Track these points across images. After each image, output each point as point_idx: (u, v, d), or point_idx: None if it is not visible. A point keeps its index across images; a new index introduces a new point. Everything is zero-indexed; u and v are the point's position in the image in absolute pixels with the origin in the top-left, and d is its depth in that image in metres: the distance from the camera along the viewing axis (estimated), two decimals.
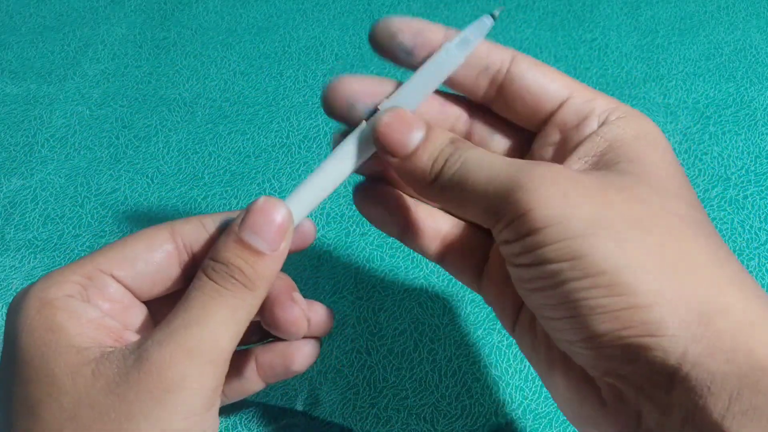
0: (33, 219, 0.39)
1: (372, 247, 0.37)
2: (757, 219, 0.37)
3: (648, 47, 0.46)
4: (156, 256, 0.22)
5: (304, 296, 0.25)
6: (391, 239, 0.37)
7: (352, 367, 0.32)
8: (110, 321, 0.21)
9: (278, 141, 0.42)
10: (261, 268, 0.21)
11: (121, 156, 0.42)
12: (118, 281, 0.22)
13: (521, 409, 0.31)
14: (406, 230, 0.25)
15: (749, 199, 0.38)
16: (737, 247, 0.36)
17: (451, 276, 0.27)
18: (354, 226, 0.38)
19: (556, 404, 0.31)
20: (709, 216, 0.37)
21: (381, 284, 0.35)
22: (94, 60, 0.48)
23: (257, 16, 0.51)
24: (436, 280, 0.35)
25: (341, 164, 0.23)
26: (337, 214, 0.38)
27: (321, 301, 0.35)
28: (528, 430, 0.30)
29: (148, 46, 0.49)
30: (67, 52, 0.49)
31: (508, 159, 0.20)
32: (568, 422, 0.30)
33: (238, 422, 0.31)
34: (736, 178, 0.39)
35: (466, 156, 0.20)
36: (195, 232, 0.23)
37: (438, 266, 0.35)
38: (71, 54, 0.49)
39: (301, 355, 0.26)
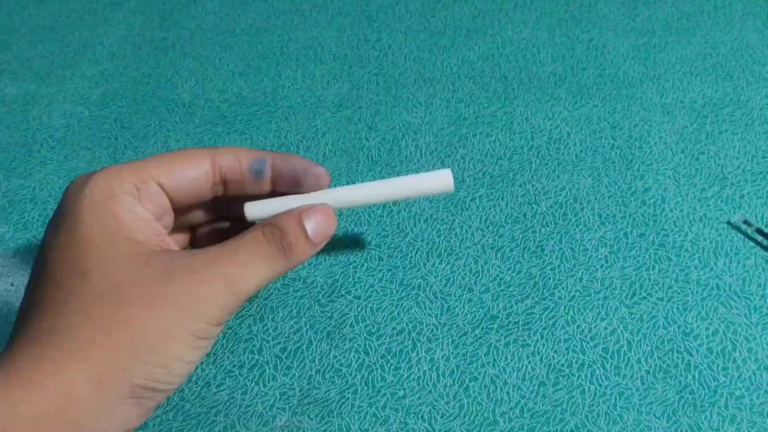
0: (32, 218, 0.39)
1: (370, 247, 0.36)
2: (754, 218, 0.36)
3: (645, 47, 0.46)
4: (195, 173, 0.27)
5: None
6: (389, 239, 0.36)
7: (350, 367, 0.32)
8: (156, 224, 0.26)
9: (276, 141, 0.42)
10: (302, 249, 0.26)
11: (120, 156, 0.42)
12: (163, 189, 0.26)
13: (519, 407, 0.31)
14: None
15: (746, 198, 0.37)
16: (734, 247, 0.35)
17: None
18: (352, 225, 0.37)
19: (553, 403, 0.31)
20: (706, 216, 0.37)
21: (379, 284, 0.35)
22: (93, 61, 0.48)
23: (255, 17, 0.50)
24: (433, 280, 0.35)
25: (380, 194, 0.29)
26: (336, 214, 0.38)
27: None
28: (525, 428, 0.30)
29: (147, 47, 0.49)
30: (66, 53, 0.49)
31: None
32: (565, 421, 0.30)
33: (236, 421, 0.31)
34: (732, 178, 0.38)
35: None
36: (230, 161, 0.27)
37: (435, 267, 0.35)
38: (70, 55, 0.49)
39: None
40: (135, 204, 0.25)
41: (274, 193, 0.29)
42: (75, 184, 0.25)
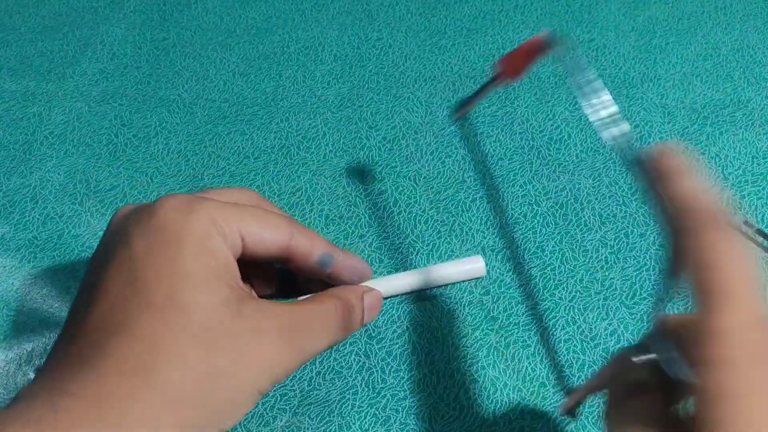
0: (32, 218, 0.39)
1: (371, 249, 0.36)
2: (754, 218, 0.36)
3: (645, 48, 0.45)
4: (272, 243, 0.26)
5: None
6: (389, 241, 0.36)
7: (351, 369, 0.32)
8: (237, 270, 0.25)
9: (277, 142, 0.42)
10: (355, 323, 0.29)
11: (120, 154, 0.42)
12: (243, 242, 0.25)
13: (519, 409, 0.31)
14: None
15: (746, 198, 0.37)
16: None
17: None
18: (353, 228, 0.37)
19: (553, 404, 0.30)
20: None
21: None
22: (93, 59, 0.48)
23: (256, 16, 0.50)
24: None
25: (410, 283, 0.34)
26: (335, 215, 0.38)
27: None
28: (525, 430, 0.30)
29: (148, 47, 0.48)
30: (67, 51, 0.48)
31: None
32: (565, 422, 0.30)
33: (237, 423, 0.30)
34: (733, 178, 0.38)
35: None
36: (304, 247, 0.27)
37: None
38: (71, 53, 0.48)
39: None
40: (225, 248, 0.24)
41: (328, 279, 0.30)
42: (172, 208, 0.23)
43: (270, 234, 0.26)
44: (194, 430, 0.21)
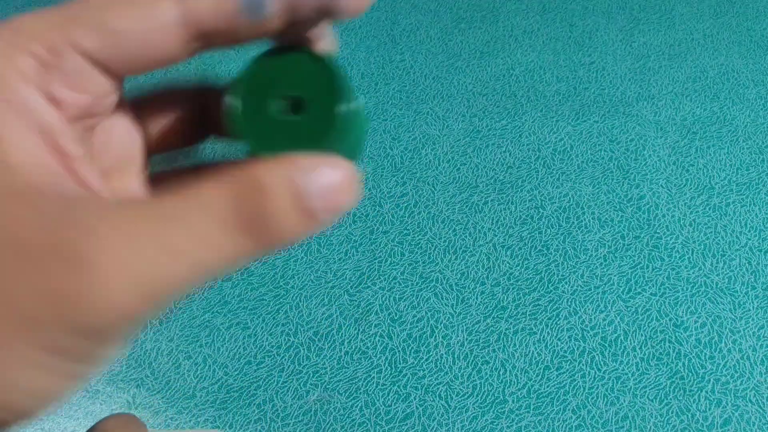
0: None
1: (393, 243, 0.38)
2: (738, 224, 0.38)
3: (641, 70, 0.47)
4: (148, 25, 0.13)
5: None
6: (410, 237, 0.38)
7: (376, 349, 0.34)
8: (66, 137, 0.13)
9: None
10: (274, 222, 0.12)
11: None
12: (92, 57, 0.13)
13: (526, 388, 0.32)
14: None
15: (731, 206, 0.39)
16: (720, 249, 0.37)
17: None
18: (377, 225, 0.39)
19: (556, 385, 0.32)
20: (695, 222, 0.38)
21: (401, 276, 0.36)
22: None
23: None
24: (450, 274, 0.37)
25: None
26: (362, 213, 0.40)
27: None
28: (531, 407, 0.31)
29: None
30: None
31: None
32: (567, 402, 0.32)
33: (274, 395, 0.32)
34: (719, 188, 0.40)
35: None
36: (214, 5, 0.13)
37: (452, 262, 0.37)
38: None
39: None
40: (35, 100, 0.13)
41: (285, 43, 0.15)
42: None
43: (139, 14, 0.13)
44: None
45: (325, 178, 0.12)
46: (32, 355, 0.11)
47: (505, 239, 0.38)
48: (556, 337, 0.33)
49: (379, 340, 0.34)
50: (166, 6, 0.12)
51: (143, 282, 0.11)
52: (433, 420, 0.31)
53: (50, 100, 0.13)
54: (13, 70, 0.12)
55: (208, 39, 0.13)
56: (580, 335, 0.34)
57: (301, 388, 0.32)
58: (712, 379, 0.31)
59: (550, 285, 0.36)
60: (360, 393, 0.32)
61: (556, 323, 0.34)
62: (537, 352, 0.33)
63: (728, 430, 0.30)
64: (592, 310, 0.34)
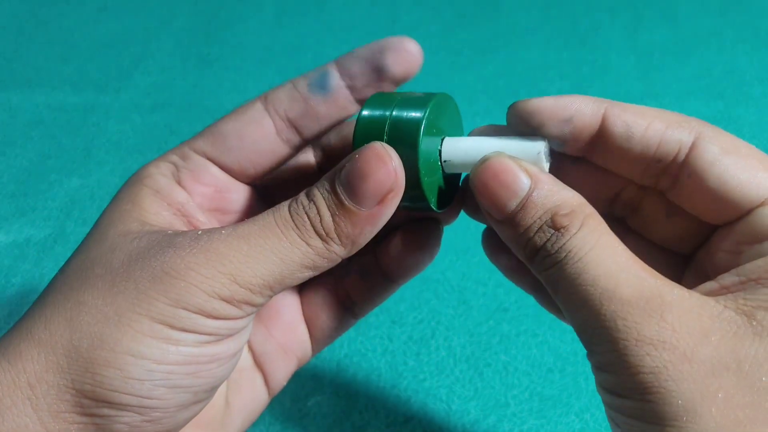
0: (91, 215, 0.40)
1: None
2: None
3: (645, 68, 0.46)
4: (250, 130, 0.19)
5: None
6: None
7: (375, 352, 0.33)
8: (192, 208, 0.19)
9: None
10: (321, 232, 0.16)
11: None
12: (214, 162, 0.19)
13: (528, 391, 0.31)
14: (539, 287, 0.20)
15: None
16: None
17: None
18: None
19: (559, 388, 0.31)
20: None
21: None
22: (146, 73, 0.49)
23: (290, 35, 0.51)
24: (451, 275, 0.35)
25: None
26: None
27: None
28: (534, 410, 0.30)
29: (193, 60, 0.50)
30: (122, 66, 0.50)
31: (640, 271, 0.14)
32: (570, 405, 0.30)
33: (272, 399, 0.31)
34: None
35: (573, 245, 0.14)
36: (289, 96, 0.19)
37: (453, 263, 0.36)
38: (125, 68, 0.50)
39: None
40: (167, 184, 0.18)
41: (360, 104, 0.20)
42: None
43: (240, 125, 0.19)
44: (45, 378, 0.15)
45: (358, 169, 0.17)
46: (146, 326, 0.15)
47: None
48: (559, 339, 0.33)
49: (379, 343, 0.33)
50: (258, 104, 0.19)
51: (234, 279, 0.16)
52: (435, 424, 0.30)
53: (182, 187, 0.19)
54: (156, 169, 0.19)
55: (298, 126, 0.19)
56: None
57: (299, 391, 0.32)
58: None
59: None
60: (359, 396, 0.31)
61: (559, 325, 0.33)
62: (540, 354, 0.32)
63: None
64: None
